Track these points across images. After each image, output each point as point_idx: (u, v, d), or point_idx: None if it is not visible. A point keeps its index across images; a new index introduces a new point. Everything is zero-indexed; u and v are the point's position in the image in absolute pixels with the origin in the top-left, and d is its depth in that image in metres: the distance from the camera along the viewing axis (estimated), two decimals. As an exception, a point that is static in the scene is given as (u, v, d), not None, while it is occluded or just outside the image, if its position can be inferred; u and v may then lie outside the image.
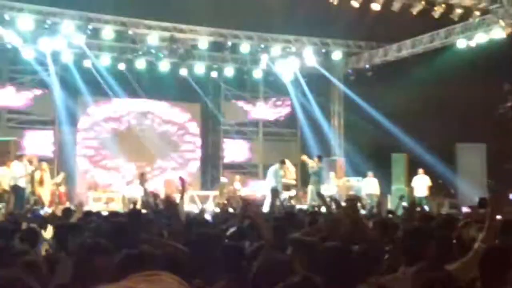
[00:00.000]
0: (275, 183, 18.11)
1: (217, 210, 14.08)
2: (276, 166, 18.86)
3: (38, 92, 22.21)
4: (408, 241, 4.47)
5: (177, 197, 7.86)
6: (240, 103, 25.73)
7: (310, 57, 23.70)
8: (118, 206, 19.00)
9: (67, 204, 17.76)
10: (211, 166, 25.13)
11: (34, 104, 22.07)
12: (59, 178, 19.55)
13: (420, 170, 20.21)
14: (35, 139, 22.00)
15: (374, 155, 22.23)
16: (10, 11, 19.74)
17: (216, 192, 22.12)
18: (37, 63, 21.66)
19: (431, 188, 20.11)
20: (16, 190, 16.71)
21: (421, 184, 20.08)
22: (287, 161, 19.50)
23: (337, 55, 24.01)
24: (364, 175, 21.60)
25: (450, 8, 18.52)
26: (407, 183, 21.37)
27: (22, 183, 16.92)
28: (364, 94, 23.02)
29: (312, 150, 23.78)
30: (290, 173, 19.52)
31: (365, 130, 23.04)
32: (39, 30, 20.34)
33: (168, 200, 8.17)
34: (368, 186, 20.89)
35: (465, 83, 20.06)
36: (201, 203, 20.53)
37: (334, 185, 21.24)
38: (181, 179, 9.06)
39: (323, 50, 23.90)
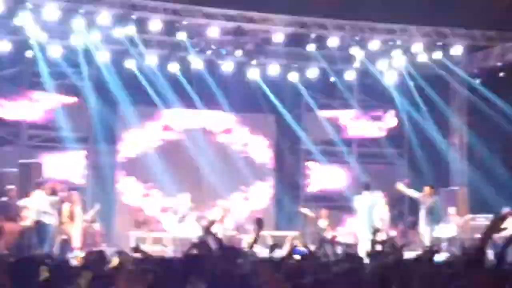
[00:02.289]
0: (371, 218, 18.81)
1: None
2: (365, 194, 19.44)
3: (67, 100, 22.90)
4: None
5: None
6: (328, 115, 25.88)
7: (422, 53, 23.83)
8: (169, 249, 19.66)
9: (103, 247, 18.12)
10: (289, 198, 25.15)
11: (62, 117, 22.58)
12: (91, 212, 19.92)
13: None
14: (63, 161, 22.70)
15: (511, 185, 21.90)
16: (33, -1, 20.39)
17: (296, 233, 22.18)
18: (66, 64, 22.42)
19: None
20: (39, 227, 17.16)
21: None
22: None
23: (458, 50, 23.94)
24: (496, 212, 21.06)
25: None
26: None
27: (46, 218, 17.33)
28: (496, 102, 22.96)
29: (425, 177, 23.80)
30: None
31: (497, 151, 23.13)
32: (70, 21, 20.92)
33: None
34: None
35: None
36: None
37: (454, 225, 21.19)
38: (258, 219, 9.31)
39: (439, 44, 23.82)
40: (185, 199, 21.08)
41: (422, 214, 19.17)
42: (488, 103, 23.13)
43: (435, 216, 19.23)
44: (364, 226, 18.84)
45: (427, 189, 19.35)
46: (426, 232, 19.05)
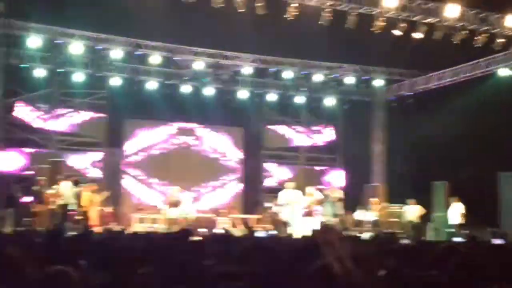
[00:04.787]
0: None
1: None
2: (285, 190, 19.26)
3: (87, 114, 22.94)
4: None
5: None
6: (282, 128, 26.07)
7: (353, 84, 24.39)
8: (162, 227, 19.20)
9: (113, 225, 18.13)
10: (252, 190, 25.35)
11: (83, 126, 22.78)
12: (102, 196, 19.75)
13: (455, 198, 20.15)
14: (84, 160, 22.75)
15: (415, 182, 22.29)
16: (62, 37, 20.59)
17: (258, 216, 22.18)
18: (87, 87, 22.42)
19: (465, 216, 19.87)
20: (63, 209, 17.10)
21: (455, 212, 19.99)
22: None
23: (378, 82, 24.42)
24: (405, 203, 21.48)
25: (492, 37, 18.48)
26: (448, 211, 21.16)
27: (69, 202, 17.28)
28: (406, 121, 23.19)
29: (354, 176, 24.42)
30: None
31: (406, 157, 23.18)
32: (89, 55, 21.19)
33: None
34: (408, 213, 20.85)
35: (507, 111, 20.08)
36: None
37: (374, 212, 21.21)
38: None
39: (365, 77, 24.23)
40: (175, 189, 20.57)
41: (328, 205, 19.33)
42: (400, 121, 23.49)
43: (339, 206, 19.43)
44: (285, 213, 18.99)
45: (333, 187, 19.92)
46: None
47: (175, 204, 19.81)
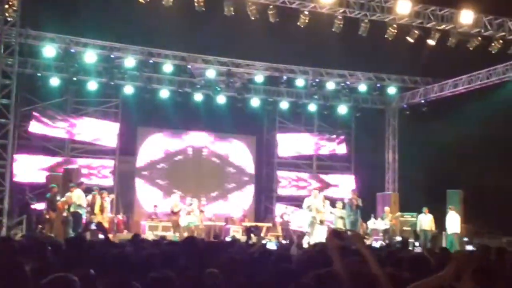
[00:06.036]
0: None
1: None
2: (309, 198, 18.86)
3: (99, 122, 22.73)
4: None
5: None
6: (295, 136, 25.70)
7: (365, 92, 24.16)
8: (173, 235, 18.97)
9: (125, 233, 17.96)
10: (265, 198, 25.18)
11: (96, 134, 22.56)
12: (108, 200, 19.46)
13: (450, 207, 19.89)
14: (97, 167, 22.49)
15: (429, 190, 21.78)
16: (76, 46, 20.52)
17: (269, 224, 22.06)
18: (100, 95, 22.36)
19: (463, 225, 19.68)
20: (75, 216, 16.97)
21: (452, 221, 19.59)
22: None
23: (392, 90, 24.15)
24: (419, 211, 20.99)
25: (507, 43, 18.15)
26: (463, 220, 20.64)
27: (81, 210, 17.15)
28: (419, 129, 22.90)
29: (366, 184, 24.01)
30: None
31: (420, 166, 22.73)
32: (103, 63, 21.07)
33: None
34: (423, 221, 20.30)
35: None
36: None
37: (388, 220, 20.84)
38: None
39: (378, 85, 23.93)
40: (176, 197, 20.11)
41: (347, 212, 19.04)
42: (413, 129, 23.20)
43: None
44: (306, 220, 18.51)
45: (354, 193, 19.45)
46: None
47: (177, 212, 19.45)
